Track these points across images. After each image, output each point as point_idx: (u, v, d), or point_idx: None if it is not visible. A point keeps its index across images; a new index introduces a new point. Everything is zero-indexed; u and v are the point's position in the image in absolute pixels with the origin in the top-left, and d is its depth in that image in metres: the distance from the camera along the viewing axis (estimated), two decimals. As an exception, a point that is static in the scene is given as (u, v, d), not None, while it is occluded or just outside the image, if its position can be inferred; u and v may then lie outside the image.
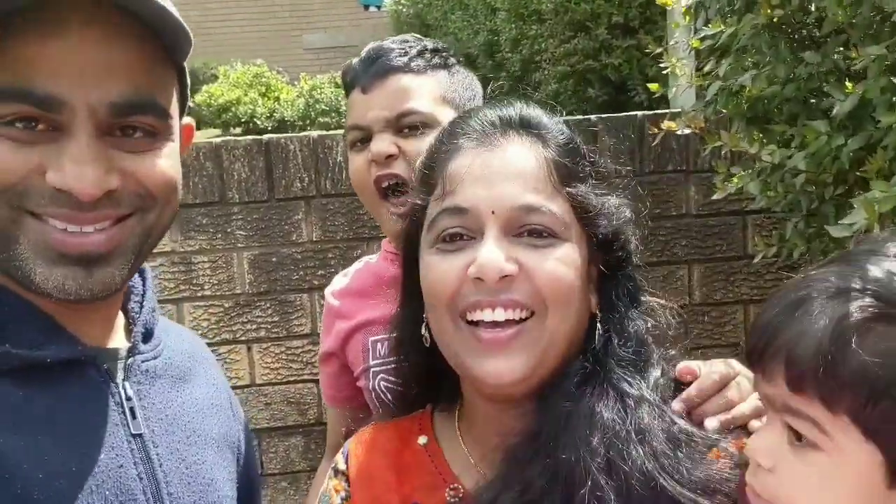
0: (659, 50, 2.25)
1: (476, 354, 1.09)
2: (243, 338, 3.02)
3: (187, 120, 1.22)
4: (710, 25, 2.00)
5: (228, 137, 2.89)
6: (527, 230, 1.10)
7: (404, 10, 10.64)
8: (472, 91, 1.81)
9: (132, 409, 1.12)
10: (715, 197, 2.08)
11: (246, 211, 2.91)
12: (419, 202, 1.19)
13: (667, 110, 2.75)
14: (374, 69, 1.73)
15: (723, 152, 2.27)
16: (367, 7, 13.72)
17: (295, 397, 3.07)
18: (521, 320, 1.09)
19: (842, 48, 1.89)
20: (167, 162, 1.10)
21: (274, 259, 2.95)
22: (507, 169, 1.12)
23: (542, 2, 6.57)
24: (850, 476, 0.89)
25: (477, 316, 1.09)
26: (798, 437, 0.92)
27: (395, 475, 1.21)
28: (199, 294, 2.96)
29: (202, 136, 9.62)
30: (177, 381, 1.22)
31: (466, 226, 1.11)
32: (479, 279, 1.07)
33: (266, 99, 9.34)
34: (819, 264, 1.00)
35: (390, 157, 1.66)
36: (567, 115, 4.53)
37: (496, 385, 1.09)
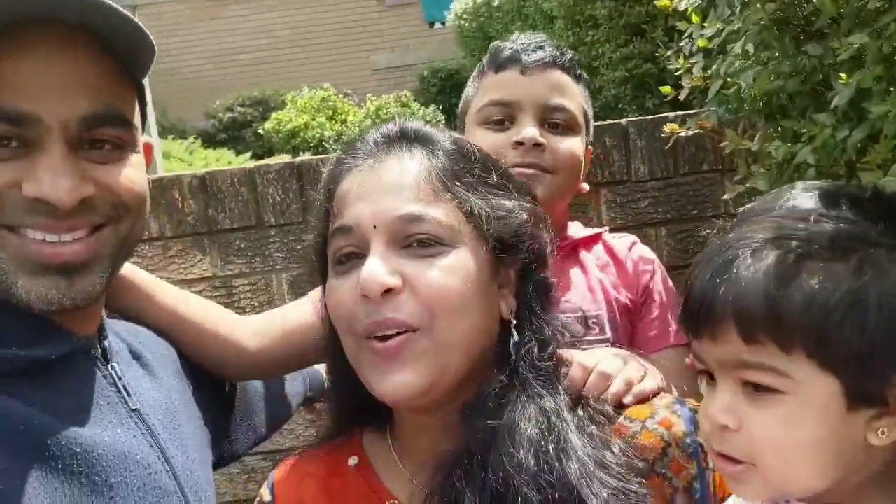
0: (669, 53, 2.23)
1: (375, 371, 1.11)
2: (287, 357, 3.06)
3: (145, 139, 1.28)
4: (706, 24, 1.97)
5: (261, 162, 2.96)
6: (414, 240, 1.11)
7: (466, 24, 10.69)
8: (591, 107, 1.93)
9: (125, 388, 1.22)
10: (724, 197, 2.04)
11: (282, 233, 2.98)
12: (320, 228, 1.22)
13: (698, 110, 2.70)
14: (540, 56, 1.80)
15: (725, 152, 2.22)
16: (431, 24, 13.84)
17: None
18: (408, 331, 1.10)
19: (844, 38, 1.85)
20: (135, 172, 1.18)
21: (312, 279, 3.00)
22: (388, 183, 1.14)
23: (597, 7, 6.53)
24: (815, 409, 0.95)
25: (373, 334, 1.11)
26: (755, 389, 0.97)
27: (328, 499, 1.22)
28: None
29: (273, 162, 9.79)
30: (130, 358, 1.30)
31: (355, 244, 1.13)
32: (365, 296, 1.09)
33: (333, 122, 9.49)
34: (722, 232, 1.07)
35: (537, 147, 1.69)
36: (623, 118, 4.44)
37: (395, 400, 1.12)
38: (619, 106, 6.62)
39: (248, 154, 10.35)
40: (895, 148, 1.64)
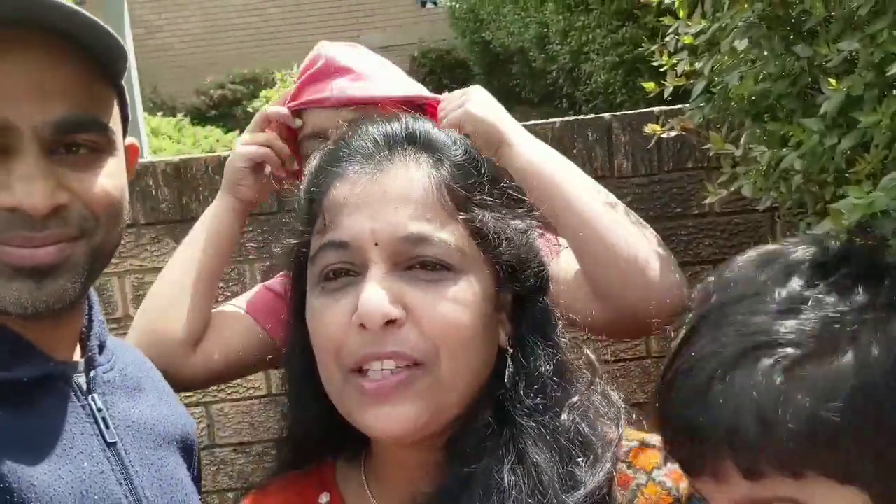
0: (653, 48, 2.15)
1: (362, 405, 1.00)
2: (260, 350, 3.00)
3: (130, 140, 1.26)
4: (691, 22, 1.90)
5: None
6: (418, 262, 0.99)
7: (458, 5, 10.59)
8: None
9: (104, 420, 1.18)
10: (707, 201, 1.98)
11: (256, 223, 2.91)
12: (303, 235, 1.09)
13: (681, 105, 2.63)
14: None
15: (710, 154, 2.16)
16: (423, 4, 13.72)
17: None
18: (409, 366, 0.99)
19: (833, 41, 1.78)
20: (111, 180, 1.15)
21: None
22: (392, 194, 1.01)
23: (589, -9, 6.47)
24: None
25: (365, 367, 1.00)
26: None
27: None
28: (215, 308, 2.96)
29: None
30: (133, 391, 1.27)
31: (350, 261, 1.01)
32: (362, 325, 0.98)
33: (322, 101, 9.40)
34: (680, 335, 0.91)
35: None
36: (618, 107, 4.39)
37: (385, 437, 1.02)
38: (610, 91, 6.54)
39: (237, 132, 10.27)
40: (886, 159, 1.57)
